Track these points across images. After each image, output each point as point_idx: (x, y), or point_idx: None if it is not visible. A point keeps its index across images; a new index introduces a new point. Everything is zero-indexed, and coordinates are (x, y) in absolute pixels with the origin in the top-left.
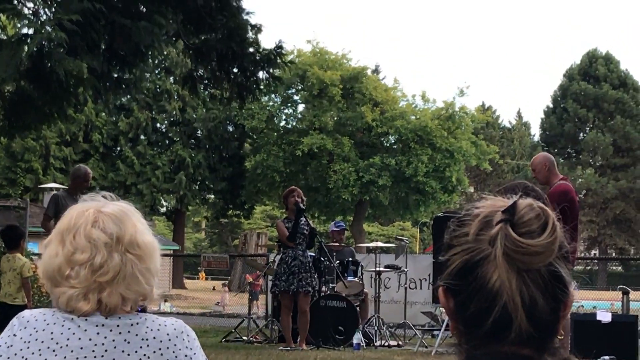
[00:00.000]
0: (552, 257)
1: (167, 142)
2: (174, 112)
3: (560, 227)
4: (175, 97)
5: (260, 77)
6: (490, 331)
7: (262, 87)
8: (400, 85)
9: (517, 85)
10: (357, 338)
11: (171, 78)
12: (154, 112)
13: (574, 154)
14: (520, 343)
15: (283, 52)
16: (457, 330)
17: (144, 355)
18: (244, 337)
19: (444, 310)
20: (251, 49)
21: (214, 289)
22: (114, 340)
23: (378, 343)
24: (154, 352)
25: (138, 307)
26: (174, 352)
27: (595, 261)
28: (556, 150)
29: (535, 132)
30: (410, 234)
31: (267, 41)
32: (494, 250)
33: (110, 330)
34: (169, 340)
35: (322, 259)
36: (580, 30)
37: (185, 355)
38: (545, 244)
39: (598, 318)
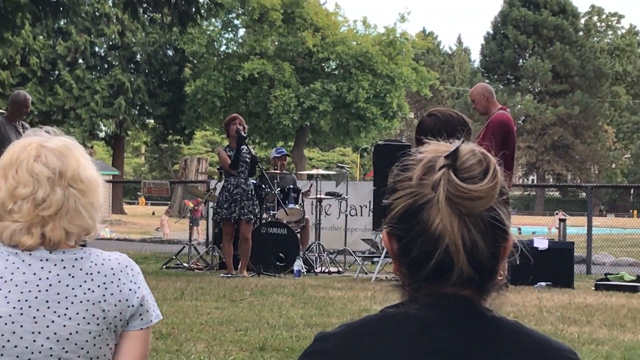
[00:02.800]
0: (493, 202)
1: (106, 66)
2: (113, 36)
3: (501, 172)
4: (114, 20)
5: (201, 2)
6: (432, 274)
7: (202, 12)
8: (342, 10)
9: (457, 11)
10: (298, 265)
11: (110, 1)
12: (92, 36)
13: (514, 80)
14: (461, 285)
15: None
16: (400, 273)
17: (89, 289)
18: (185, 264)
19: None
20: None
21: (153, 214)
22: (58, 275)
23: (318, 270)
24: (99, 286)
25: (81, 241)
26: (118, 286)
27: (533, 187)
28: (496, 76)
29: (476, 58)
30: (350, 159)
31: None
32: (437, 194)
33: (55, 265)
34: (113, 274)
35: (264, 186)
36: None
37: (130, 289)
38: (486, 189)
39: (535, 245)
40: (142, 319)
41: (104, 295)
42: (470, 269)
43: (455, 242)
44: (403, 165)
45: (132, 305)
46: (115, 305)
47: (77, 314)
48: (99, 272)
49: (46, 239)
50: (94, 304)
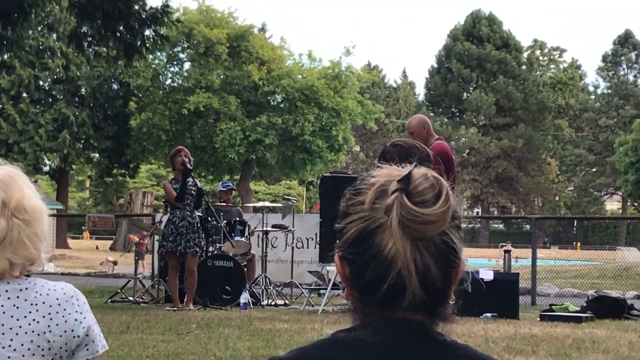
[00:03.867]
0: (445, 226)
1: (50, 100)
2: (58, 70)
3: (453, 196)
4: (59, 54)
5: (147, 35)
6: (384, 298)
7: (148, 46)
8: (287, 44)
9: (402, 44)
10: (244, 298)
11: (54, 35)
12: (36, 70)
13: (458, 114)
14: (413, 309)
15: (169, 10)
16: (352, 297)
17: (33, 319)
18: (130, 298)
19: (330, 270)
20: (137, 7)
21: (97, 248)
22: (2, 306)
23: (265, 302)
24: (44, 316)
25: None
26: (63, 316)
27: (478, 219)
28: (440, 109)
29: (420, 91)
30: (296, 192)
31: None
32: (390, 218)
33: None
34: (59, 304)
35: (210, 219)
36: None
37: (75, 319)
38: (438, 213)
39: (481, 276)
40: (87, 349)
41: (49, 325)
42: (422, 293)
43: (407, 265)
44: (355, 189)
45: (78, 336)
46: (61, 336)
47: (22, 345)
48: (44, 303)
49: None
50: (39, 334)
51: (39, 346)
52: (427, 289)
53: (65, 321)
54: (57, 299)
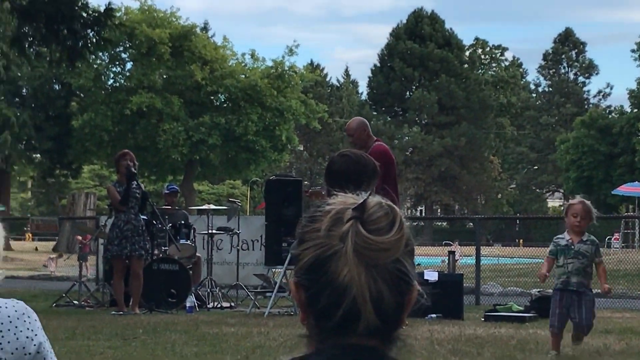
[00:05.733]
0: (399, 254)
1: None
2: None
3: (407, 224)
4: None
5: (90, 38)
6: (339, 324)
7: (91, 48)
8: (230, 44)
9: (344, 43)
10: (190, 301)
11: None
12: None
13: (401, 112)
14: (367, 335)
15: (113, 13)
16: (308, 323)
17: None
18: (75, 302)
19: (275, 272)
20: (80, 10)
21: (36, 249)
22: None
23: (211, 305)
24: None
25: None
26: (15, 333)
27: (422, 219)
28: (383, 108)
29: (363, 90)
30: (240, 192)
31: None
32: (345, 246)
33: None
34: (10, 322)
35: (155, 222)
36: None
37: (27, 337)
38: (392, 241)
39: (425, 277)
40: None
41: (0, 343)
42: (376, 320)
43: (362, 292)
44: (311, 216)
45: (29, 353)
46: (12, 354)
47: None
48: None
49: None
50: None
51: None
52: (381, 316)
53: (17, 338)
54: (9, 316)
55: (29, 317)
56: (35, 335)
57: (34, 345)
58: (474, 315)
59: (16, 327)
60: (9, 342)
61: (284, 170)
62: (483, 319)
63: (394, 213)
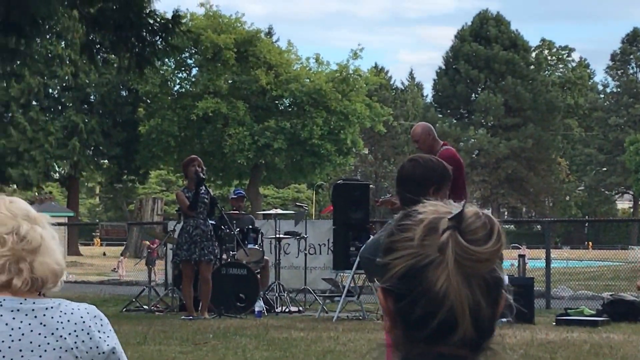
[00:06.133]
0: (496, 263)
1: (60, 107)
2: (66, 78)
3: (504, 234)
4: (67, 62)
5: (158, 45)
6: (431, 334)
7: (159, 55)
8: (294, 48)
9: (409, 46)
10: (259, 305)
11: (62, 43)
12: (45, 78)
13: (467, 115)
14: (460, 345)
15: (180, 20)
16: (395, 332)
17: (61, 336)
18: (145, 306)
19: (344, 276)
20: (149, 18)
21: (104, 254)
22: (30, 324)
23: (279, 309)
24: (70, 333)
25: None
26: (88, 333)
27: None
28: (449, 111)
29: (428, 93)
30: (306, 196)
31: (161, 5)
32: (445, 256)
33: (26, 315)
34: (83, 322)
35: (223, 227)
36: None
37: (100, 337)
38: (492, 252)
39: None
40: None
41: (75, 342)
42: (473, 330)
43: (461, 303)
44: (401, 224)
45: (104, 352)
46: (87, 352)
47: None
48: (69, 321)
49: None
50: (66, 351)
51: None
52: (477, 327)
53: (91, 338)
54: (82, 317)
55: (101, 319)
56: (108, 337)
57: (108, 345)
58: (545, 319)
59: (89, 327)
60: (83, 341)
61: (349, 174)
62: (554, 323)
63: (492, 223)
